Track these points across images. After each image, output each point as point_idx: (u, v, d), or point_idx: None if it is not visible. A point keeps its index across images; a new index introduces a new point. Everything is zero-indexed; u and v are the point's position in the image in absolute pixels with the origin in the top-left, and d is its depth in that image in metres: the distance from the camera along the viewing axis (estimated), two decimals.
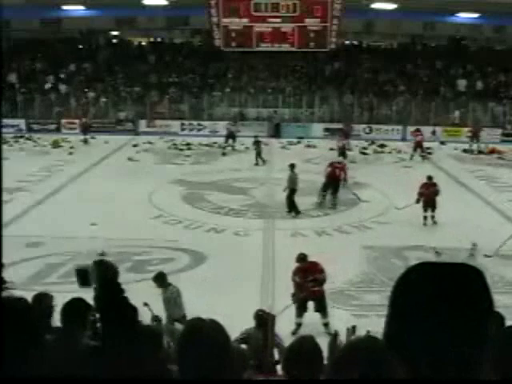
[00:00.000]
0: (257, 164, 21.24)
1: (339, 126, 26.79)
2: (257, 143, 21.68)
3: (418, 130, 23.70)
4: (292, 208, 14.96)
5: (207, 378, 1.83)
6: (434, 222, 14.12)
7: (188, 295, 9.49)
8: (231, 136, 24.15)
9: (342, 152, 21.13)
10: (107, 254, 11.54)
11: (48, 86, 29.69)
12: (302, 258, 9.01)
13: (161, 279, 8.18)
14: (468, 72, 30.65)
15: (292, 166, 15.44)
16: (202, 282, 10.27)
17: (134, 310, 2.87)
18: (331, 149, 22.33)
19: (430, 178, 14.54)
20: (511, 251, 11.79)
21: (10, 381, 1.91)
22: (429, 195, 14.00)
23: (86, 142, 25.32)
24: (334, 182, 15.70)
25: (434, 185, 14.34)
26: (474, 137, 24.86)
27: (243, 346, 5.62)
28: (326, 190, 15.76)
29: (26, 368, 2.00)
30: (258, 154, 21.42)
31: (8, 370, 1.90)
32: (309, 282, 8.69)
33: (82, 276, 3.13)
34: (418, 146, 22.56)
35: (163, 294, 8.08)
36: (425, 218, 14.09)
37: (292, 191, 15.01)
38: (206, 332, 1.95)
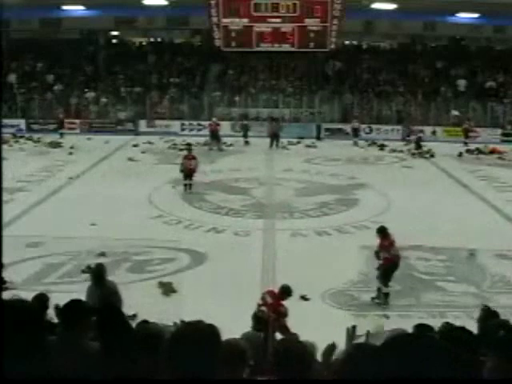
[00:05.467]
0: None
1: (338, 126, 26.85)
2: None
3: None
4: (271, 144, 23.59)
5: (197, 377, 1.83)
6: None
7: (188, 295, 9.53)
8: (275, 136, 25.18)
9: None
10: (107, 253, 11.56)
11: (47, 86, 29.68)
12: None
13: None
14: (468, 72, 30.64)
15: (271, 118, 25.57)
16: (202, 282, 10.27)
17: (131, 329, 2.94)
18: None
19: None
20: None
21: (11, 381, 1.91)
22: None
23: (61, 135, 25.66)
24: (215, 135, 23.46)
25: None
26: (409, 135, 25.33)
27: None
28: (213, 140, 23.39)
29: (27, 369, 2.00)
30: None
31: (9, 371, 1.90)
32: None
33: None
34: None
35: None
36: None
37: (273, 135, 23.73)
38: (195, 333, 1.95)
